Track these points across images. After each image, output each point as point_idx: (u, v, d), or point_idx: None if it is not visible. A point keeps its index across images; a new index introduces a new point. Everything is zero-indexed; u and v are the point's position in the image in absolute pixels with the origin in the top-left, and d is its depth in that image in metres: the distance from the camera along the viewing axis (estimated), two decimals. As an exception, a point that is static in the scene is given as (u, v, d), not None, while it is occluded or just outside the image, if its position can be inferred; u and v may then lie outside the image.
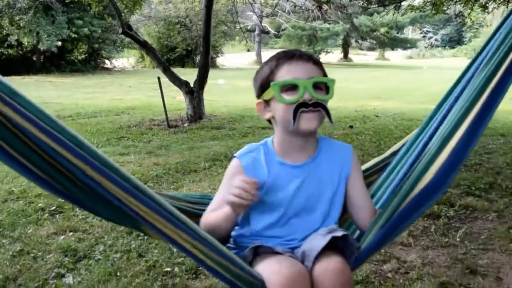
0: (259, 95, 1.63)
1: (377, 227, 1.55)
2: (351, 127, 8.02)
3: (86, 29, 24.77)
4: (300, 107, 1.51)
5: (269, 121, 1.68)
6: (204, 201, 1.88)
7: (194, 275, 2.86)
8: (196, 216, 1.73)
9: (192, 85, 8.68)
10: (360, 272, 2.90)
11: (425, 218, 3.76)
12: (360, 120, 8.90)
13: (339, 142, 1.76)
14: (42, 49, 23.75)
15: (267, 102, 1.60)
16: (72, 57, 26.24)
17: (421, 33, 53.37)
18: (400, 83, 19.76)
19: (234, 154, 1.69)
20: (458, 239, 3.41)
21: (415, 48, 49.90)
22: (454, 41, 57.07)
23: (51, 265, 3.01)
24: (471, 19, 9.54)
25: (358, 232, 1.78)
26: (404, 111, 10.32)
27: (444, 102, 1.92)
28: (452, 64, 33.16)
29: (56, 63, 25.28)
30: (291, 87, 1.53)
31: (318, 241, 1.49)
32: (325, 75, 1.64)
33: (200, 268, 2.94)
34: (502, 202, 4.11)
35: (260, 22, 35.65)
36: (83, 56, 26.64)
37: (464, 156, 1.40)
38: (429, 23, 49.66)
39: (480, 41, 42.85)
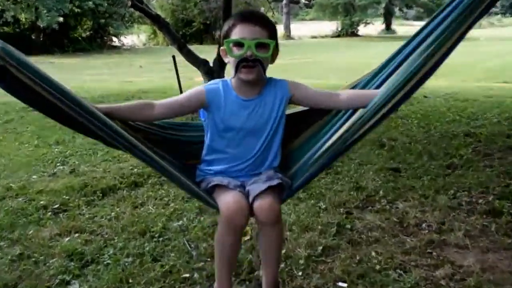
0: (222, 44, 2.23)
1: (306, 163, 2.26)
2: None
3: (90, 2, 24.95)
4: (242, 62, 2.15)
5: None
6: (186, 127, 2.53)
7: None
8: (170, 140, 2.43)
9: (211, 64, 8.66)
10: (409, 279, 2.88)
11: (484, 216, 3.70)
12: (408, 103, 8.79)
13: (278, 79, 2.32)
14: (41, 26, 24.04)
15: (225, 51, 2.20)
16: (75, 35, 26.50)
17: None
18: (453, 57, 19.27)
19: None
20: (523, 240, 3.36)
21: (470, 17, 48.87)
22: (516, 7, 55.92)
23: (55, 270, 3.05)
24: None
25: (294, 160, 2.38)
26: (457, 91, 10.17)
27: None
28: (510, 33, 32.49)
29: (57, 41, 25.56)
30: (239, 44, 2.14)
31: (258, 185, 2.14)
32: (273, 35, 2.21)
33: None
34: None
35: (289, -10, 35.47)
36: (88, 33, 26.89)
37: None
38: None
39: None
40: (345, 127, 2.16)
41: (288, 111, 2.37)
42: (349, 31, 39.04)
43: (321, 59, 18.56)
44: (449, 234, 3.44)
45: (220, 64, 8.62)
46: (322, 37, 38.29)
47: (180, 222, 3.70)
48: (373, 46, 27.85)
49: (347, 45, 29.45)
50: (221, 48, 2.24)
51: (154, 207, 4.00)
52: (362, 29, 40.07)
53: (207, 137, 2.32)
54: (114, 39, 29.49)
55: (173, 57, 8.53)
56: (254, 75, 2.18)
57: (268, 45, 2.16)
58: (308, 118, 2.45)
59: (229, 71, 2.29)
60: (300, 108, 2.48)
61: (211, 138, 2.30)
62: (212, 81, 2.34)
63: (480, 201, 3.98)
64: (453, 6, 2.05)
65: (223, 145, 2.28)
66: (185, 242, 3.37)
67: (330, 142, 2.19)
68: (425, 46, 2.04)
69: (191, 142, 2.46)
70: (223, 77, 9.10)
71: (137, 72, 16.51)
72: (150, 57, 21.77)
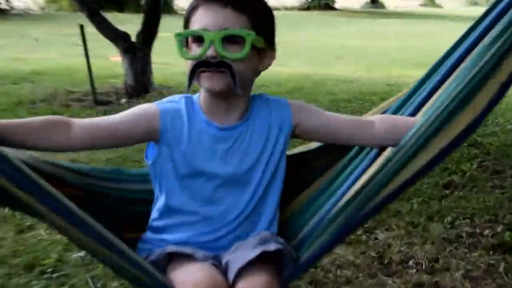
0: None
1: (319, 225, 1.94)
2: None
3: None
4: (199, 66, 1.79)
5: None
6: (120, 177, 2.16)
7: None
8: (104, 196, 2.07)
9: (134, 39, 8.63)
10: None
11: (491, 252, 3.78)
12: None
13: (274, 98, 2.03)
14: None
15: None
16: None
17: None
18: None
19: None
20: (540, 284, 3.45)
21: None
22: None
23: None
24: None
25: (302, 234, 2.05)
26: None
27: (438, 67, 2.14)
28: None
29: None
30: (199, 39, 1.80)
31: (245, 252, 1.76)
32: (253, 23, 1.83)
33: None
34: None
35: None
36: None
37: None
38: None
39: None
40: (370, 173, 1.92)
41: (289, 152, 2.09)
42: (322, 3, 39.38)
43: (283, 39, 18.61)
44: (444, 275, 3.49)
45: (145, 39, 8.61)
46: (287, 9, 38.49)
47: (82, 253, 3.66)
48: (353, 23, 28.20)
49: (319, 21, 29.69)
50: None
51: (47, 231, 3.95)
52: (340, 1, 40.48)
53: (157, 189, 1.96)
54: (0, 0, 29.04)
55: (81, 27, 8.46)
56: (221, 85, 1.80)
57: (243, 39, 1.78)
58: (313, 164, 2.21)
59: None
60: (300, 149, 2.25)
61: (166, 189, 1.92)
62: (169, 98, 1.97)
63: (486, 232, 4.06)
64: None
65: (186, 201, 1.91)
66: (89, 280, 3.35)
67: (349, 196, 1.94)
68: (481, 53, 1.76)
69: (130, 200, 2.11)
70: (150, 57, 9.12)
71: (31, 46, 16.26)
72: (50, 27, 21.48)
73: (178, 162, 1.88)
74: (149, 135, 1.89)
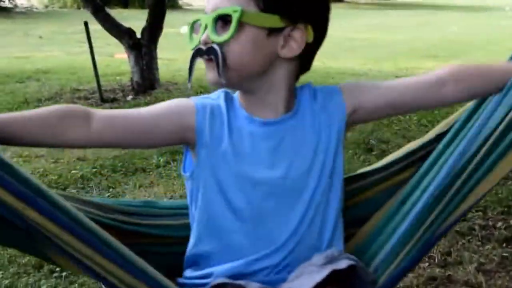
0: None
1: (393, 250, 1.67)
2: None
3: None
4: (196, 55, 1.60)
5: None
6: (149, 211, 1.86)
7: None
8: (133, 234, 1.76)
9: (139, 35, 8.63)
10: (402, 328, 2.93)
11: (504, 244, 3.77)
12: (402, 91, 8.90)
13: (323, 86, 1.78)
14: None
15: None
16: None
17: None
18: (468, 33, 19.75)
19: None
20: (555, 277, 3.44)
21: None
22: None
23: None
24: None
25: (371, 254, 1.76)
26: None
27: None
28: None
29: None
30: (192, 24, 1.66)
31: (310, 275, 1.49)
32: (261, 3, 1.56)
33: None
34: None
35: None
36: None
37: None
38: None
39: None
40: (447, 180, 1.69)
41: (345, 175, 1.81)
42: (329, -5, 39.32)
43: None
44: (457, 268, 3.49)
45: (151, 36, 8.61)
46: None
47: None
48: (361, 15, 28.16)
49: (353, 13, 29.65)
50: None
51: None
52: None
53: (195, 205, 1.69)
54: (3, -2, 29.11)
55: (86, 23, 8.47)
56: (211, 75, 1.59)
57: (228, 17, 1.53)
58: (374, 187, 1.96)
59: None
60: (359, 171, 2.00)
61: (205, 205, 1.66)
62: (208, 95, 1.72)
63: (499, 224, 4.07)
64: None
65: (230, 220, 1.65)
66: None
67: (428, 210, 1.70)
68: None
69: (171, 238, 1.84)
70: (156, 54, 9.06)
71: (35, 44, 16.27)
72: (54, 25, 21.47)
73: (219, 168, 1.63)
74: (182, 134, 1.64)
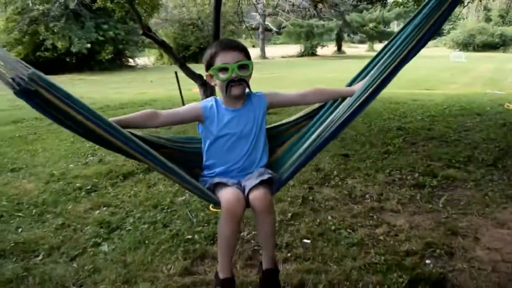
0: (206, 70, 2.10)
1: (291, 162, 2.07)
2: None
3: (111, 32, 24.72)
4: (230, 83, 2.00)
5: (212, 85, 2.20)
6: (188, 140, 2.24)
7: (212, 241, 2.88)
8: (180, 151, 2.18)
9: (205, 78, 8.62)
10: (356, 236, 2.92)
11: (412, 188, 3.76)
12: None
13: (256, 92, 2.16)
14: (74, 51, 23.73)
15: (211, 75, 2.08)
16: (100, 57, 26.09)
17: (405, 27, 52.61)
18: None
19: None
20: (441, 205, 3.41)
21: (400, 40, 49.20)
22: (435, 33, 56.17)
23: (89, 235, 3.05)
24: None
25: (282, 162, 2.17)
26: (392, 95, 10.22)
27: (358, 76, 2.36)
28: (433, 53, 32.80)
29: (86, 63, 25.20)
30: (224, 69, 2.00)
31: (252, 180, 1.97)
32: (248, 57, 2.06)
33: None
34: (479, 173, 4.10)
35: (263, 21, 35.34)
36: (110, 56, 26.47)
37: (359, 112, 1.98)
38: (412, 18, 48.78)
39: (458, 33, 42.28)
40: (319, 131, 2.05)
41: (269, 126, 2.23)
42: (309, 52, 39.00)
43: (288, 74, 18.57)
44: (386, 202, 3.49)
45: (212, 78, 8.57)
46: (290, 57, 38.20)
47: (184, 197, 3.70)
48: (328, 64, 27.92)
49: (308, 63, 29.43)
50: (206, 74, 2.10)
51: (164, 186, 3.99)
52: (319, 50, 40.07)
53: (205, 145, 2.12)
54: (130, 60, 29.12)
55: (176, 73, 8.51)
56: (241, 91, 2.03)
57: (247, 65, 2.02)
58: (287, 129, 2.28)
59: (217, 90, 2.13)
60: (278, 123, 2.31)
61: (209, 144, 2.09)
62: (206, 99, 2.14)
63: (409, 177, 4.03)
64: (402, 33, 2.03)
65: (220, 149, 2.08)
66: (188, 212, 3.38)
67: (308, 143, 2.06)
68: (382, 62, 2.06)
69: (197, 153, 2.18)
70: (215, 88, 9.06)
71: (148, 85, 16.36)
72: (158, 74, 21.56)
73: (213, 131, 2.08)
74: (197, 118, 2.11)
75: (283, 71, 21.25)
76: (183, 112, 2.12)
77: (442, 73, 19.10)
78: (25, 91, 1.45)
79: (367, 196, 3.63)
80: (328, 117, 2.11)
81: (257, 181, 1.94)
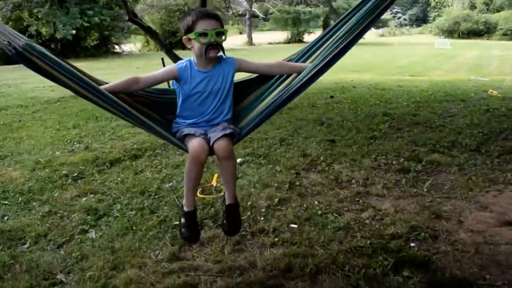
0: (185, 34, 2.23)
1: (251, 118, 2.26)
2: (331, 97, 7.97)
3: (96, 18, 24.30)
4: (208, 47, 2.16)
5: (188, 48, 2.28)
6: (165, 91, 2.45)
7: (199, 227, 2.88)
8: (157, 101, 2.42)
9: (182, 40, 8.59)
10: (342, 220, 2.94)
11: (397, 173, 3.79)
12: (339, 90, 8.85)
13: (228, 56, 2.31)
14: (59, 37, 23.33)
15: (189, 39, 2.21)
16: (85, 44, 25.69)
17: (391, 13, 52.68)
18: (374, 58, 19.62)
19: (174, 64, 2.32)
20: (425, 190, 3.45)
21: (386, 27, 49.30)
22: (420, 20, 56.34)
23: (76, 222, 3.03)
24: (435, 0, 9.43)
25: (242, 116, 2.37)
26: (378, 82, 10.29)
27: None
28: (418, 40, 32.92)
29: (72, 49, 24.77)
30: (204, 34, 2.16)
31: (216, 133, 2.16)
32: (223, 26, 2.22)
33: (205, 220, 2.97)
34: (462, 157, 4.14)
35: (250, 7, 35.15)
36: (95, 42, 26.06)
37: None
38: (398, 4, 49.09)
39: (443, 20, 42.48)
40: (277, 91, 2.26)
41: (236, 80, 2.40)
42: (296, 39, 38.85)
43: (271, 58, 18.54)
44: (372, 187, 3.51)
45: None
46: (277, 43, 38.01)
47: (171, 184, 3.69)
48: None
49: (295, 49, 29.25)
50: (184, 37, 2.25)
51: (151, 173, 3.97)
52: (306, 37, 39.92)
53: (179, 99, 2.32)
54: (116, 46, 28.69)
55: (162, 59, 8.33)
56: (217, 53, 2.23)
57: (223, 33, 2.21)
58: (251, 85, 2.48)
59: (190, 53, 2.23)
60: (245, 77, 2.51)
61: (182, 100, 2.30)
62: (181, 61, 2.33)
63: (394, 162, 4.06)
64: (357, 10, 2.21)
65: (192, 104, 2.29)
66: (175, 198, 3.37)
67: (267, 101, 2.25)
68: (336, 37, 2.23)
69: (169, 102, 2.42)
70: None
71: (134, 72, 16.15)
72: (145, 61, 21.31)
73: (186, 89, 2.25)
74: (173, 78, 2.28)
75: (270, 57, 21.13)
76: (160, 75, 2.28)
77: (427, 60, 19.19)
78: (19, 56, 1.64)
79: (353, 181, 3.65)
80: (283, 81, 2.32)
81: (221, 134, 2.15)
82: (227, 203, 2.35)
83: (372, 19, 2.10)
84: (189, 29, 2.22)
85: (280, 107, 2.19)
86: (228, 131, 2.17)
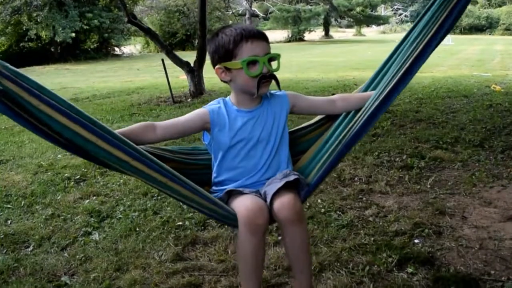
0: (219, 62, 1.74)
1: (319, 167, 1.80)
2: (333, 95, 7.99)
3: (96, 21, 24.35)
4: (262, 79, 1.68)
5: (224, 81, 1.80)
6: (195, 151, 1.99)
7: (202, 227, 2.90)
8: (185, 164, 1.90)
9: (192, 65, 8.60)
10: (346, 218, 2.95)
11: (400, 169, 3.80)
12: (341, 88, 8.86)
13: (277, 91, 1.89)
14: (58, 40, 23.39)
15: (228, 69, 1.73)
16: (85, 46, 25.81)
17: (392, 10, 52.78)
18: (375, 55, 19.58)
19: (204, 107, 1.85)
20: (428, 186, 3.45)
21: (387, 24, 49.44)
22: (422, 16, 56.30)
23: (79, 225, 3.05)
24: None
25: (308, 170, 1.88)
26: (379, 79, 10.28)
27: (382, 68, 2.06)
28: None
29: (71, 52, 24.84)
30: (254, 61, 1.67)
31: (275, 184, 1.67)
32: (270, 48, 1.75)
33: (208, 220, 2.98)
34: (466, 153, 4.14)
35: (250, 6, 35.13)
36: (95, 45, 26.21)
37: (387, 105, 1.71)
38: (399, 1, 49.10)
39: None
40: (344, 133, 1.80)
41: (291, 129, 2.00)
42: (297, 37, 38.89)
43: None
44: (375, 184, 3.52)
45: (199, 65, 8.58)
46: (277, 42, 38.01)
47: (174, 185, 3.70)
48: (315, 48, 27.85)
49: (296, 48, 29.31)
50: (218, 67, 1.76)
51: (153, 174, 3.98)
52: (307, 36, 39.98)
53: (215, 159, 1.84)
54: (116, 49, 28.77)
55: (162, 60, 8.46)
56: (268, 88, 1.78)
57: (276, 58, 1.73)
58: (308, 135, 2.04)
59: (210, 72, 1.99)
60: (298, 126, 2.08)
61: (220, 158, 1.80)
62: (212, 102, 1.85)
63: (397, 159, 4.07)
64: (422, 24, 1.81)
65: (233, 161, 1.79)
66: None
67: (334, 145, 1.80)
68: (400, 57, 1.86)
69: (204, 165, 1.92)
70: (202, 74, 9.07)
71: (135, 73, 16.21)
72: (145, 62, 21.37)
73: (225, 139, 1.77)
74: (203, 127, 1.79)
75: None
76: (185, 121, 1.78)
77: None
78: None
79: (356, 178, 3.66)
80: (354, 116, 1.87)
81: (282, 183, 1.64)
82: None
83: (441, 24, 1.68)
84: (228, 55, 1.70)
85: (352, 143, 1.76)
86: (292, 178, 1.68)
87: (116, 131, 1.59)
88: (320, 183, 1.83)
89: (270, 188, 1.66)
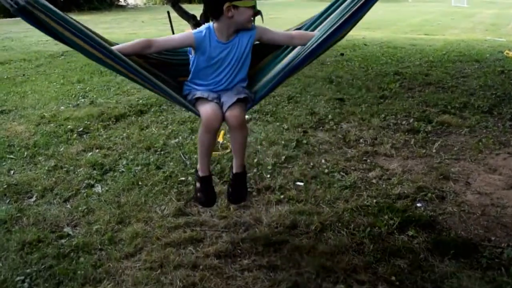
0: (230, 1, 2.06)
1: (266, 82, 2.21)
2: (342, 54, 7.86)
3: (100, -31, 23.86)
4: (256, 14, 2.15)
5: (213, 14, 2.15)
6: (178, 52, 2.35)
7: (215, 192, 2.91)
8: (164, 62, 2.33)
9: (198, 18, 8.44)
10: (349, 179, 2.96)
11: (406, 133, 3.78)
12: (350, 48, 8.70)
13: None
14: (61, -12, 22.99)
15: (235, 7, 2.07)
16: (89, -4, 25.39)
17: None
18: (387, 15, 19.15)
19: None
20: (434, 151, 3.45)
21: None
22: (437, -25, 54.79)
23: (82, 177, 3.08)
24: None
25: (258, 80, 2.31)
26: (390, 40, 10.10)
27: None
28: (434, -3, 32.01)
29: (75, 2, 24.41)
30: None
31: (230, 98, 2.12)
32: None
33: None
34: (474, 119, 4.11)
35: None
36: (99, -6, 25.75)
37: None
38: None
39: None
40: (291, 56, 2.19)
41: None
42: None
43: (281, 16, 18.16)
44: (380, 147, 3.52)
45: (205, 19, 8.41)
46: (286, -2, 37.32)
47: (177, 140, 3.71)
48: (323, 5, 27.24)
49: (301, 3, 28.68)
50: (228, 5, 2.06)
51: (156, 129, 3.99)
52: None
53: (193, 66, 2.23)
54: (121, -1, 28.38)
55: (168, 12, 8.25)
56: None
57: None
58: (267, 49, 2.39)
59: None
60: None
61: (196, 69, 2.22)
62: (200, 28, 2.18)
63: (404, 122, 4.05)
64: None
65: (205, 74, 2.22)
66: (181, 154, 3.40)
67: (283, 63, 2.19)
68: (347, 3, 2.19)
69: (181, 64, 2.34)
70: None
71: (140, 26, 15.98)
72: (150, 14, 21.01)
73: (202, 59, 2.18)
74: (190, 45, 2.19)
75: (278, 13, 20.80)
76: (175, 42, 2.22)
77: (442, 17, 18.73)
78: (21, 11, 1.60)
79: (361, 140, 3.66)
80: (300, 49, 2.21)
81: (234, 99, 2.11)
82: (234, 171, 2.32)
83: None
84: None
85: (296, 69, 2.12)
86: (242, 96, 2.13)
87: (116, 47, 2.03)
88: (263, 97, 2.30)
89: (226, 101, 2.12)
